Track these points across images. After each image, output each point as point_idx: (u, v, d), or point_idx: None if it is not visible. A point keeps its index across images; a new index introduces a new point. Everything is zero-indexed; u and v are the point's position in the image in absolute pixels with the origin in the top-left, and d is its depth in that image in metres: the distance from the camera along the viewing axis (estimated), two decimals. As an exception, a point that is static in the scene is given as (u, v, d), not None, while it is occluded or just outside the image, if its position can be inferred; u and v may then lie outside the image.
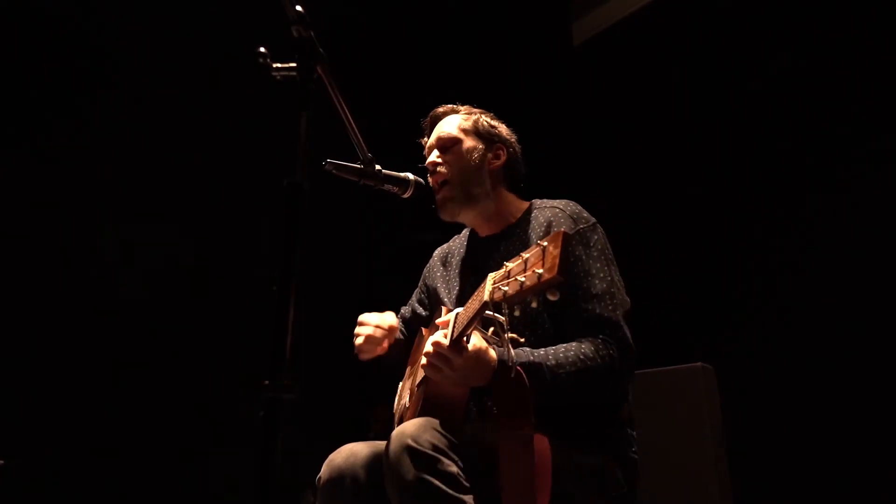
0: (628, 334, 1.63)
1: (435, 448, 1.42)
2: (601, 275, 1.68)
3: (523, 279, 1.19)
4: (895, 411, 2.65)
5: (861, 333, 2.78)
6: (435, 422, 1.49)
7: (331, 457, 1.72)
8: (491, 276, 1.32)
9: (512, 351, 1.37)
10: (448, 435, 1.46)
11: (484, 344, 1.50)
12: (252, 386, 1.09)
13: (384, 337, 1.90)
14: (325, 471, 1.70)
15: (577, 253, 1.69)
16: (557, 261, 1.12)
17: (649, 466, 1.77)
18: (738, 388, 2.85)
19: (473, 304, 1.39)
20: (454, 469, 1.42)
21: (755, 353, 3.09)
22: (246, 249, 3.23)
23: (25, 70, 3.08)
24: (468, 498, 1.42)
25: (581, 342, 1.59)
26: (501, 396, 1.41)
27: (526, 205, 1.93)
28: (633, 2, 4.03)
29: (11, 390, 2.76)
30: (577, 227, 1.73)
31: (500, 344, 1.46)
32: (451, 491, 1.39)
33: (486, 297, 1.30)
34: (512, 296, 1.23)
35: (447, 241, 2.18)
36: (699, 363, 2.68)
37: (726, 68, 3.49)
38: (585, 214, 1.79)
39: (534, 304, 1.26)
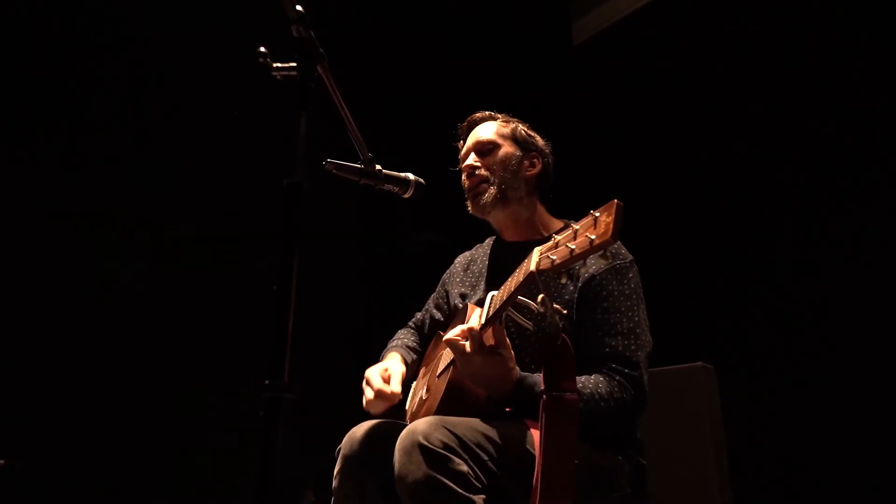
0: (645, 378, 1.65)
1: (445, 446, 1.42)
2: (629, 313, 1.70)
3: (573, 246, 1.21)
4: (895, 411, 2.65)
5: (862, 333, 2.78)
6: (447, 420, 1.49)
7: (352, 430, 1.73)
8: (536, 249, 1.33)
9: (559, 318, 1.37)
10: (460, 433, 1.46)
11: (511, 360, 1.52)
12: (252, 386, 1.09)
13: (388, 403, 1.81)
14: (345, 444, 1.71)
15: (609, 287, 1.71)
16: (611, 226, 1.13)
17: (650, 466, 1.78)
18: (738, 388, 2.85)
19: (515, 279, 1.40)
20: (464, 468, 1.42)
21: (755, 353, 3.09)
22: (245, 249, 3.23)
23: (24, 69, 3.08)
24: (478, 497, 1.42)
25: (599, 379, 1.61)
26: (549, 364, 1.41)
27: (559, 224, 1.96)
28: (633, 0, 4.03)
29: (11, 390, 2.76)
30: (614, 263, 1.74)
31: (535, 324, 1.49)
32: (460, 490, 1.40)
33: (532, 266, 1.31)
34: (560, 263, 1.24)
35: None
36: (699, 363, 2.68)
37: (728, 67, 3.49)
38: (623, 251, 1.82)
39: (563, 281, 1.27)
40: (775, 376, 2.99)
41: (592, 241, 1.16)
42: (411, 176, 1.75)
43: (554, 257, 1.25)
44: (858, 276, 2.84)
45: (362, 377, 1.92)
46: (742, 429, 2.81)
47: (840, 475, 2.73)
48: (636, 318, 1.70)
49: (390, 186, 1.71)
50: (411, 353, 2.06)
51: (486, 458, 1.47)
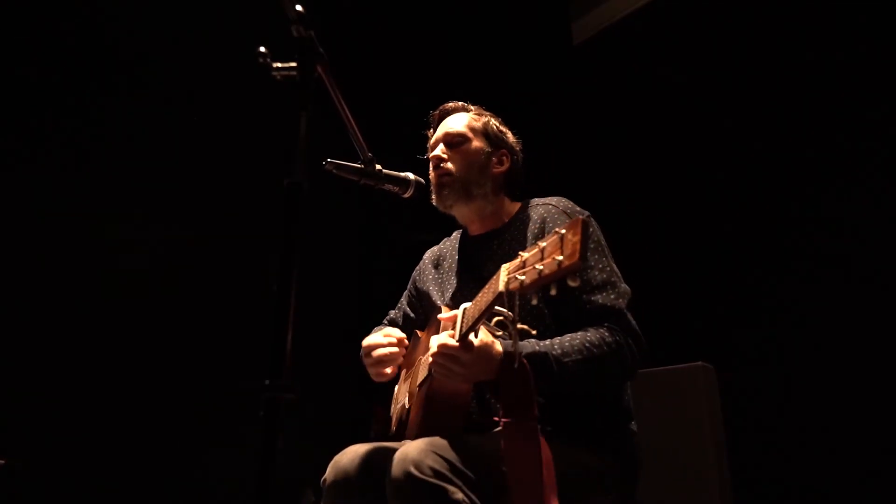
0: (633, 322, 1.63)
1: (437, 475, 1.41)
2: (600, 266, 1.69)
3: (541, 267, 1.17)
4: (895, 411, 2.65)
5: (862, 333, 2.78)
6: (436, 443, 1.47)
7: (336, 458, 1.71)
8: (504, 267, 1.30)
9: (518, 342, 1.36)
10: (450, 455, 1.44)
11: (490, 338, 1.50)
12: (252, 386, 1.09)
13: (400, 351, 1.89)
14: (330, 472, 1.69)
15: None
16: (578, 246, 1.10)
17: (649, 466, 1.78)
18: (738, 387, 2.85)
19: (485, 297, 1.37)
20: (459, 496, 1.40)
21: (755, 353, 3.09)
22: (246, 249, 3.23)
23: (23, 69, 3.08)
24: None
25: (587, 331, 1.59)
26: (505, 388, 1.39)
27: (518, 205, 1.95)
28: (633, 0, 4.03)
29: (11, 390, 2.76)
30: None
31: (506, 337, 1.46)
32: None
33: (500, 287, 1.28)
34: (529, 285, 1.21)
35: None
36: (699, 362, 2.68)
37: (727, 67, 3.49)
38: (578, 209, 1.82)
39: (534, 301, 1.25)
40: (775, 376, 2.99)
41: (560, 262, 1.12)
42: (411, 176, 1.75)
43: (522, 278, 1.22)
44: (859, 276, 2.84)
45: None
46: (742, 429, 2.80)
47: (840, 475, 2.72)
48: (608, 269, 1.69)
49: (390, 186, 1.71)
50: None
51: (477, 478, 1.45)
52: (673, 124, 3.72)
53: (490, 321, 1.43)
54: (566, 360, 1.53)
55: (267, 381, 1.02)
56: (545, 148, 2.11)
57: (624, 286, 1.69)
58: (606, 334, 1.58)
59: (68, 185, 3.08)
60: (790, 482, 2.87)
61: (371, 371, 1.91)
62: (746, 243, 3.28)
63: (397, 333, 1.91)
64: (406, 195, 1.74)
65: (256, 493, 0.99)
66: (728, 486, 2.56)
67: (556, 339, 1.57)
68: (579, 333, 1.59)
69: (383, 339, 1.89)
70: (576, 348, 1.55)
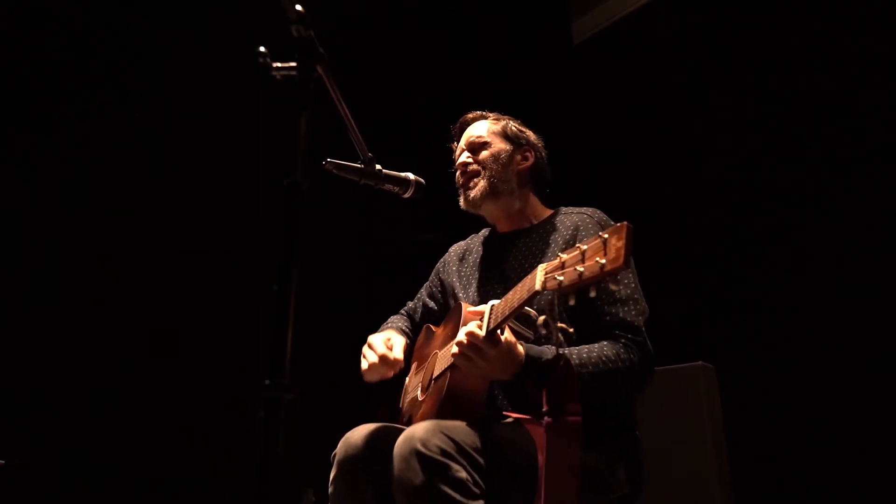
0: (648, 341, 1.66)
1: (443, 453, 1.41)
2: (626, 280, 1.72)
3: (582, 269, 1.17)
4: (895, 410, 2.65)
5: (861, 332, 2.78)
6: (444, 424, 1.48)
7: (347, 435, 1.73)
8: (541, 267, 1.31)
9: (562, 338, 1.36)
10: (458, 438, 1.45)
11: (513, 338, 1.51)
12: (252, 386, 1.08)
13: (388, 370, 1.89)
14: (340, 448, 1.72)
15: None
16: (623, 251, 1.10)
17: (649, 466, 1.78)
18: (738, 387, 2.86)
19: (518, 295, 1.38)
20: (463, 475, 1.41)
21: (755, 352, 3.09)
22: (245, 249, 3.23)
23: (23, 69, 3.08)
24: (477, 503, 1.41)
25: (604, 344, 1.61)
26: (551, 386, 1.39)
27: (548, 211, 1.98)
28: (633, 0, 4.03)
29: (11, 390, 2.76)
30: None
31: (530, 337, 1.46)
32: (459, 497, 1.39)
33: (537, 286, 1.28)
34: (568, 285, 1.21)
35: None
36: (699, 362, 2.68)
37: (727, 66, 3.49)
38: (612, 222, 1.84)
39: (571, 303, 1.25)
40: (775, 375, 2.99)
41: (603, 266, 1.12)
42: (411, 176, 1.75)
43: (561, 278, 1.21)
44: (859, 276, 2.84)
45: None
46: (742, 429, 2.81)
47: (840, 474, 2.72)
48: (632, 285, 1.72)
49: (390, 186, 1.71)
50: (406, 336, 2.07)
51: (484, 462, 1.46)
52: (673, 124, 3.72)
53: (517, 320, 1.43)
54: (583, 370, 1.54)
55: (267, 381, 1.02)
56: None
57: (644, 304, 1.72)
58: (622, 351, 1.60)
59: (69, 185, 3.08)
60: (790, 482, 2.87)
61: (361, 365, 1.92)
62: (747, 243, 3.29)
63: (397, 353, 1.89)
64: (406, 195, 1.75)
65: (256, 494, 0.99)
66: (728, 486, 2.56)
67: (575, 349, 1.58)
68: (596, 346, 1.61)
69: (381, 349, 1.88)
70: (593, 360, 1.56)
